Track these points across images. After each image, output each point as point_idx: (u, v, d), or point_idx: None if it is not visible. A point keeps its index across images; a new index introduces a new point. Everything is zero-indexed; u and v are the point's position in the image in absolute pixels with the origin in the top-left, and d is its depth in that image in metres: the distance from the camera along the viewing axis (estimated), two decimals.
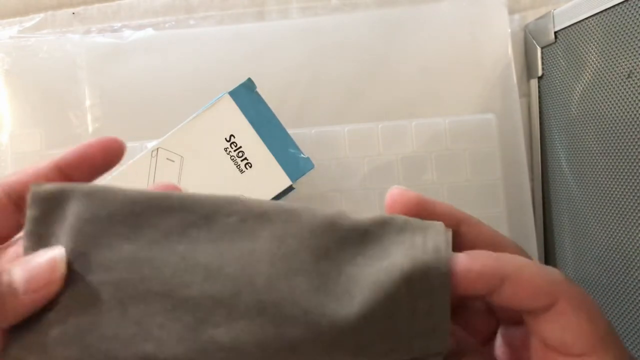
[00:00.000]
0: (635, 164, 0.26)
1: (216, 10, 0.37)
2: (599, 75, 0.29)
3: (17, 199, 0.20)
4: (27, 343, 0.17)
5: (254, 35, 0.36)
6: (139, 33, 0.36)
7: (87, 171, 0.21)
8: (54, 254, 0.18)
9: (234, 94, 0.30)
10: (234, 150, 0.30)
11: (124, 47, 0.36)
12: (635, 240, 0.27)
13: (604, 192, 0.29)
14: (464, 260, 0.17)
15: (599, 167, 0.29)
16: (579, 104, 0.31)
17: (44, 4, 0.38)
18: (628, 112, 0.26)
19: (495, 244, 0.19)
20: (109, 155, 0.21)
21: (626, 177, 0.27)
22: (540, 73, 0.35)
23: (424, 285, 0.17)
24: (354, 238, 0.18)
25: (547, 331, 0.18)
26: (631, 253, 0.27)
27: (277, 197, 0.30)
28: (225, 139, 0.30)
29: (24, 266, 0.18)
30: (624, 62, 0.27)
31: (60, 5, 0.38)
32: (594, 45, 0.29)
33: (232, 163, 0.30)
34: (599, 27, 0.29)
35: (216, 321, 0.16)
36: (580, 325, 0.18)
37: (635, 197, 0.26)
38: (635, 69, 0.26)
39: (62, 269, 0.18)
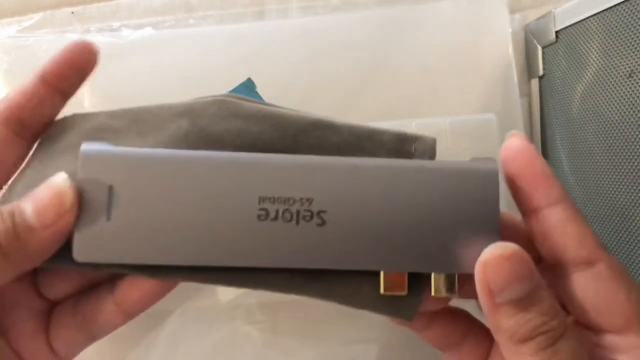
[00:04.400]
0: (636, 163, 0.26)
1: (216, 9, 0.37)
2: (600, 74, 0.29)
3: (15, 125, 0.20)
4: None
5: (253, 35, 0.36)
6: (138, 32, 0.36)
7: (74, 77, 0.21)
8: (58, 183, 0.17)
9: (233, 93, 0.30)
10: None
11: (123, 47, 0.36)
12: (637, 241, 0.26)
13: (605, 192, 0.29)
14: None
15: (600, 167, 0.29)
16: (580, 104, 0.31)
17: (42, 4, 0.38)
18: (629, 112, 0.26)
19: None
20: (88, 56, 0.21)
21: (628, 177, 0.27)
22: (541, 73, 0.35)
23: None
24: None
25: (578, 295, 0.17)
26: (633, 253, 0.27)
27: None
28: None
29: (33, 200, 0.17)
30: (625, 61, 0.27)
31: (59, 4, 0.37)
32: (595, 44, 0.29)
33: None
34: (600, 26, 0.28)
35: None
36: (617, 295, 0.17)
37: (637, 197, 0.26)
38: (636, 69, 0.26)
39: (69, 196, 0.17)
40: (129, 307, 0.21)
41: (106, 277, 0.22)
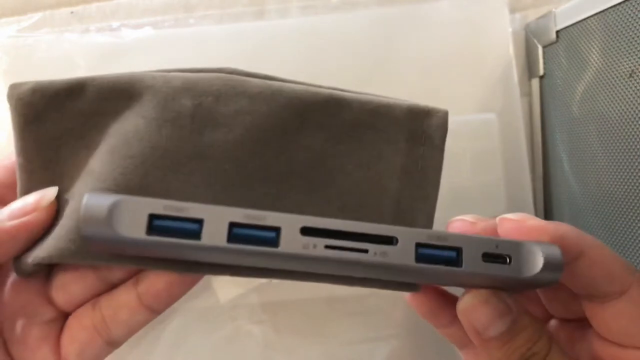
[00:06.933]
0: (637, 163, 0.26)
1: (216, 9, 0.37)
2: (601, 74, 0.29)
3: None
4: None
5: (253, 34, 0.36)
6: (138, 32, 0.36)
7: None
8: (45, 190, 0.19)
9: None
10: None
11: (122, 46, 0.36)
12: (637, 241, 0.27)
13: (605, 192, 0.29)
14: (551, 225, 0.18)
15: (601, 166, 0.29)
16: (580, 104, 0.31)
17: (42, 3, 0.37)
18: (630, 112, 0.26)
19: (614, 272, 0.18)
20: None
21: (628, 177, 0.27)
22: (541, 72, 0.35)
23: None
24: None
25: (611, 320, 0.18)
26: (634, 254, 0.27)
27: None
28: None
29: (10, 205, 0.19)
30: (625, 61, 0.27)
31: (59, 4, 0.37)
32: (595, 44, 0.29)
33: None
34: (600, 26, 0.28)
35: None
36: None
37: (637, 197, 0.26)
38: (637, 69, 0.26)
39: (50, 197, 0.19)
40: (152, 300, 0.20)
41: (127, 276, 0.21)
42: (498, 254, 0.17)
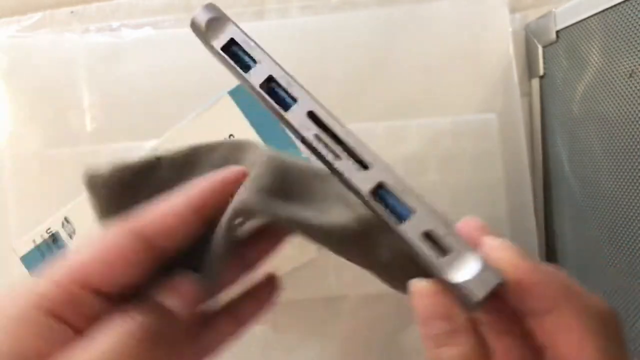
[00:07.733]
0: (637, 163, 0.26)
1: None
2: (601, 74, 0.29)
3: (148, 242, 0.18)
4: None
5: (253, 35, 0.36)
6: (137, 32, 0.36)
7: (224, 206, 0.20)
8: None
9: (233, 93, 0.30)
10: None
11: (122, 46, 0.36)
12: (637, 241, 0.27)
13: (605, 192, 0.29)
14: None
15: (601, 166, 0.29)
16: (580, 104, 0.31)
17: (42, 3, 0.37)
18: (630, 112, 0.26)
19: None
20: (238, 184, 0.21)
21: (628, 177, 0.27)
22: (541, 72, 0.35)
23: None
24: None
25: (549, 336, 0.17)
26: (634, 254, 0.27)
27: None
28: (225, 138, 0.30)
29: (179, 292, 0.18)
30: (625, 61, 0.27)
31: (59, 4, 0.37)
32: (595, 44, 0.29)
33: None
34: (600, 26, 0.28)
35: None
36: (581, 337, 0.16)
37: (637, 197, 0.26)
38: (637, 69, 0.26)
39: None
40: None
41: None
42: (439, 242, 0.17)
